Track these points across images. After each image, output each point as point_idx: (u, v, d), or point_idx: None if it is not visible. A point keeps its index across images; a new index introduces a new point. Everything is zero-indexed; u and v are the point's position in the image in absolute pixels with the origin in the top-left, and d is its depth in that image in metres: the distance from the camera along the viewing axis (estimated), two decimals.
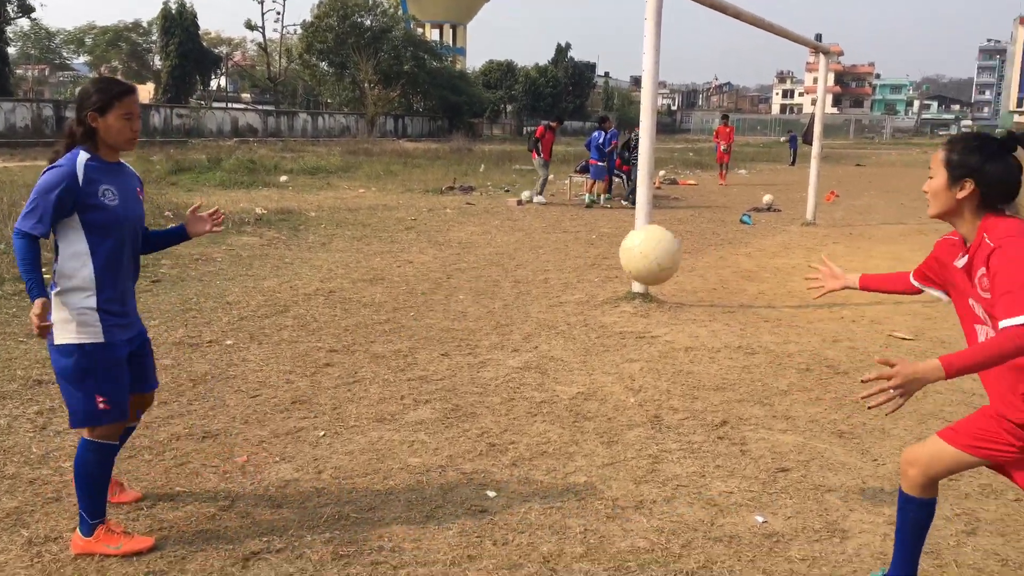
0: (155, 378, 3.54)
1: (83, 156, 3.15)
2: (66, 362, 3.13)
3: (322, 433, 4.58)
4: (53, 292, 3.14)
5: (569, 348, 6.42)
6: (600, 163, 17.55)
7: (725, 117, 26.19)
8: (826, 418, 4.99)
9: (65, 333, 3.12)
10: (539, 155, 17.78)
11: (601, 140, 17.53)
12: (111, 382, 3.17)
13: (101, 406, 3.15)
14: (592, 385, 5.53)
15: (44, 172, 3.12)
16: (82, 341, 3.12)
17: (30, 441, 4.31)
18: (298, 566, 3.21)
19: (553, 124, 18.37)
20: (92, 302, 3.13)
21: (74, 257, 3.13)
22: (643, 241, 7.08)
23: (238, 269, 9.23)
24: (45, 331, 3.01)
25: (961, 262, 2.62)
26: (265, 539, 3.40)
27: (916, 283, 2.98)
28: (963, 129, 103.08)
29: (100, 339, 3.14)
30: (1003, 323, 2.33)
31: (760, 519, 3.69)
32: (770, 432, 4.75)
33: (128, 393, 3.27)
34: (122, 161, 3.38)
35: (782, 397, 5.36)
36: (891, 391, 2.39)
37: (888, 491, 3.99)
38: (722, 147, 24.28)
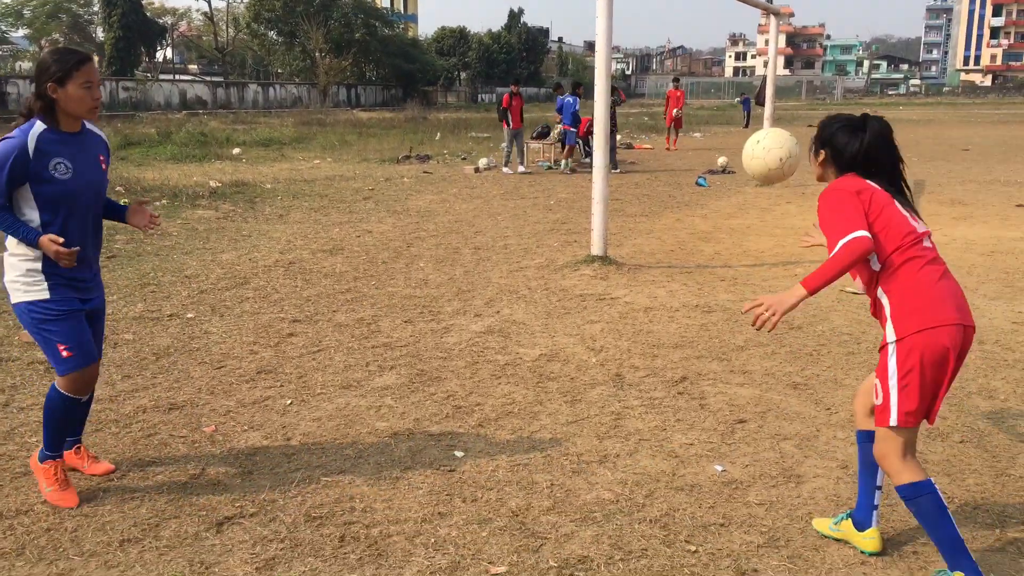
0: (100, 350, 3.59)
1: (37, 128, 3.20)
2: (23, 319, 3.31)
3: (289, 401, 4.62)
4: (5, 255, 3.27)
5: (531, 312, 6.50)
6: (573, 129, 17.58)
7: (676, 80, 25.70)
8: (781, 371, 5.15)
9: (15, 293, 3.29)
10: (508, 125, 17.43)
11: (576, 107, 17.57)
12: (67, 329, 3.29)
13: (64, 353, 3.28)
14: (554, 347, 5.63)
15: None
16: (30, 299, 3.26)
17: None
18: (272, 529, 3.26)
19: (514, 89, 18.17)
20: (37, 264, 3.26)
21: (23, 216, 3.23)
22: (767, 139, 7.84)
23: (195, 243, 9.14)
24: (70, 257, 3.17)
25: None
26: (238, 504, 3.45)
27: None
28: (912, 89, 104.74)
29: (46, 295, 3.26)
30: (837, 246, 2.82)
31: (719, 468, 3.82)
32: (728, 386, 4.89)
33: (91, 338, 3.38)
34: (88, 127, 3.37)
35: (739, 352, 5.51)
36: (766, 314, 2.82)
37: (841, 438, 4.15)
38: (674, 112, 23.55)
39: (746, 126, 35.61)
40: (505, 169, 17.24)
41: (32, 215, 3.21)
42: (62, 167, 3.20)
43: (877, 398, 2.87)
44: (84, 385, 3.40)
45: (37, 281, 3.25)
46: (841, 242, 2.77)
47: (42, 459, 3.50)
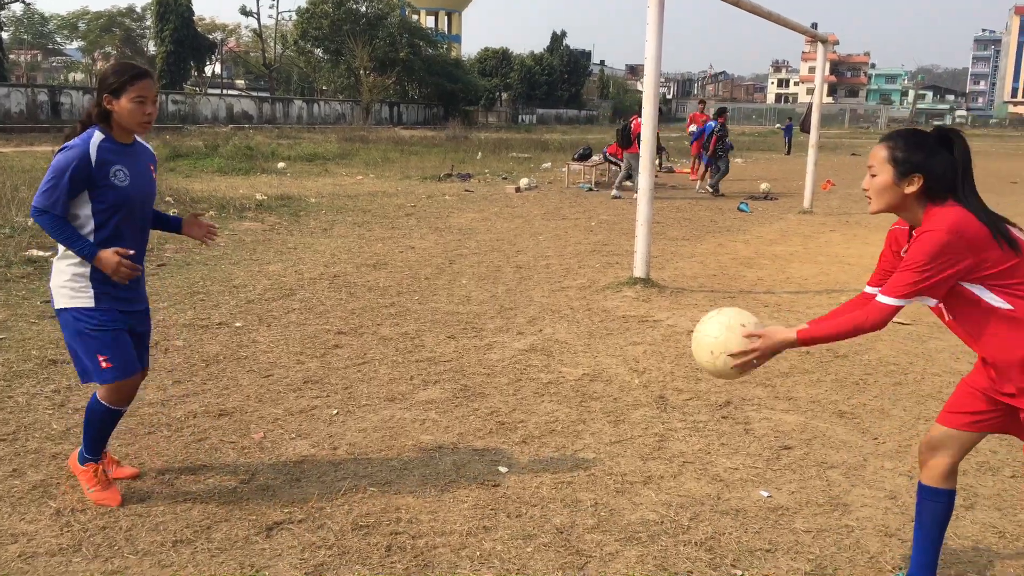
0: (146, 359, 3.64)
1: (97, 137, 3.29)
2: (65, 325, 3.36)
3: (335, 411, 4.68)
4: (56, 258, 3.37)
5: (573, 331, 6.52)
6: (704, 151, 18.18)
7: (702, 103, 23.42)
8: (827, 399, 5.10)
9: (60, 298, 3.34)
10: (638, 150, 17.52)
11: (713, 131, 18.20)
12: (110, 341, 3.34)
13: (104, 364, 3.33)
14: (597, 367, 5.64)
15: (58, 152, 3.26)
16: (75, 305, 3.32)
17: (50, 418, 4.40)
18: (320, 535, 3.31)
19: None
20: (85, 270, 3.31)
21: (78, 223, 3.30)
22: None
23: (242, 254, 9.30)
24: (128, 269, 3.27)
25: (905, 250, 2.73)
26: (287, 510, 3.50)
27: (870, 289, 2.88)
28: (958, 120, 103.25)
29: (91, 304, 3.31)
30: (880, 296, 2.61)
31: (765, 494, 3.80)
32: (772, 412, 4.86)
33: (132, 350, 3.42)
34: (137, 139, 3.48)
35: (783, 379, 5.47)
36: (753, 361, 2.78)
37: (889, 468, 4.11)
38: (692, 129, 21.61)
39: (787, 153, 35.42)
40: (616, 191, 17.16)
41: (87, 222, 3.28)
42: (121, 174, 3.30)
43: None
44: (125, 397, 3.45)
45: (83, 288, 3.31)
46: (890, 301, 2.56)
47: (82, 461, 3.57)
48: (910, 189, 2.60)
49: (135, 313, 3.48)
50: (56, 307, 3.36)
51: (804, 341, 2.71)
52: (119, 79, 3.28)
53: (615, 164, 19.39)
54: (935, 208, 2.58)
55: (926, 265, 2.50)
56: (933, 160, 2.58)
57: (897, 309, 2.59)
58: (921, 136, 2.64)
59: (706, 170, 18.48)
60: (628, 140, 17.32)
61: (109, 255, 3.22)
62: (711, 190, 17.91)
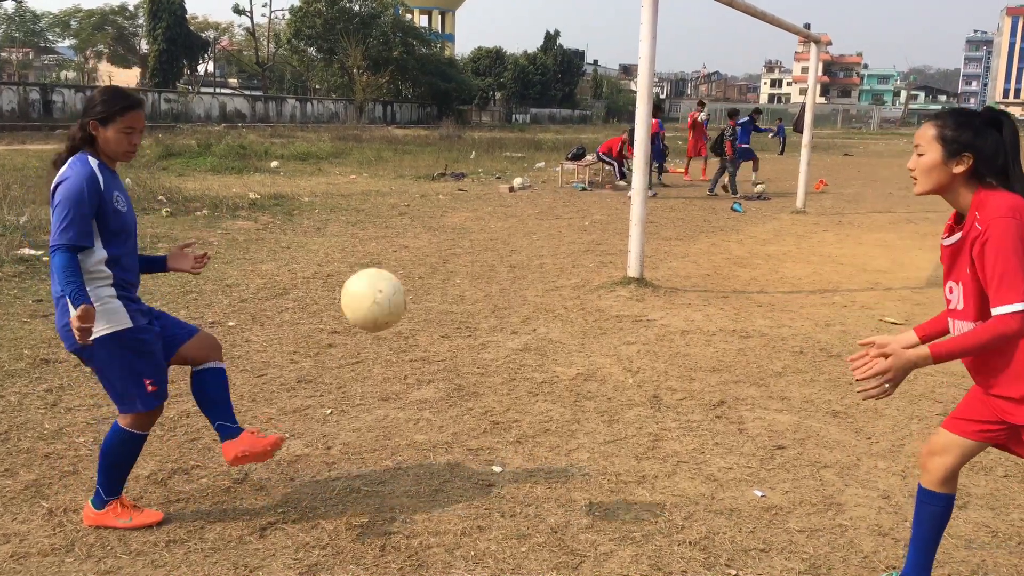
0: (191, 325, 3.47)
1: (93, 160, 3.13)
2: (106, 354, 3.12)
3: (329, 411, 4.67)
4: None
5: (567, 331, 6.52)
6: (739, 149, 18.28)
7: (701, 104, 23.11)
8: (820, 399, 5.11)
9: (97, 327, 3.05)
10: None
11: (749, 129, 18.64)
12: (151, 361, 3.20)
13: (150, 387, 3.18)
14: (591, 366, 5.64)
15: (61, 181, 3.06)
16: (114, 330, 3.10)
17: (42, 417, 4.38)
18: (314, 536, 3.30)
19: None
20: (111, 291, 3.12)
21: (91, 254, 3.09)
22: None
23: (235, 253, 9.28)
24: (87, 334, 2.95)
25: (950, 240, 2.61)
26: (280, 511, 3.49)
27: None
28: None
29: (129, 324, 3.13)
30: (996, 310, 2.39)
31: (759, 493, 3.80)
32: (766, 412, 4.87)
33: (166, 372, 3.29)
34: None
35: (777, 379, 5.48)
36: (884, 385, 2.51)
37: (882, 468, 4.12)
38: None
39: (781, 153, 35.48)
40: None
41: (99, 251, 3.10)
42: (121, 199, 3.17)
43: None
44: (153, 420, 3.32)
45: (115, 309, 3.11)
46: (1013, 309, 2.35)
47: (101, 507, 3.31)
48: (959, 169, 2.50)
49: (149, 314, 3.32)
50: (93, 338, 3.03)
51: (940, 359, 2.48)
52: (109, 109, 3.12)
53: (608, 163, 19.42)
54: (987, 193, 2.48)
55: (1013, 258, 2.36)
56: (983, 140, 2.48)
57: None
58: (971, 115, 2.55)
59: (723, 171, 18.16)
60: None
61: (81, 310, 2.89)
62: (727, 191, 17.73)
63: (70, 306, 2.95)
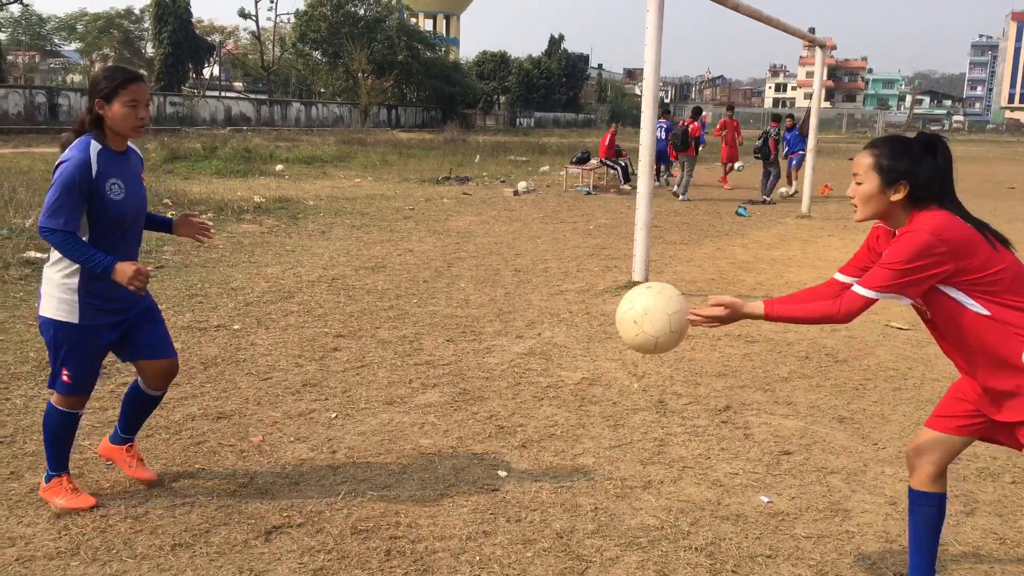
0: (171, 348, 3.58)
1: (95, 146, 3.22)
2: (44, 332, 3.34)
3: (334, 415, 4.66)
4: (46, 265, 3.32)
5: (572, 335, 6.51)
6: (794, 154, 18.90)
7: (731, 108, 22.29)
8: (827, 404, 5.10)
9: (47, 306, 3.29)
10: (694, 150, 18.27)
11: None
12: (78, 360, 3.33)
13: (65, 378, 3.33)
14: (596, 371, 5.63)
15: (58, 165, 3.19)
16: (58, 318, 3.27)
17: None
18: (319, 540, 3.29)
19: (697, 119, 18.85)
20: (75, 282, 3.24)
21: None
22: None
23: (240, 256, 9.28)
24: (143, 278, 3.19)
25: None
26: (286, 514, 3.48)
27: (842, 277, 2.85)
28: (955, 125, 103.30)
29: (75, 320, 3.26)
30: (856, 287, 2.60)
31: (765, 499, 3.79)
32: (772, 417, 4.86)
33: (97, 374, 3.44)
34: (129, 144, 3.43)
35: (783, 384, 5.47)
36: (712, 315, 2.79)
37: (889, 474, 4.10)
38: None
39: (785, 157, 35.38)
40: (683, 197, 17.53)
41: (83, 235, 3.22)
42: (116, 188, 3.24)
43: None
44: (82, 402, 3.48)
45: (71, 302, 3.25)
46: (866, 293, 2.55)
47: (48, 480, 3.50)
48: (896, 197, 2.59)
49: (130, 319, 3.42)
50: (40, 312, 3.31)
51: (771, 317, 2.70)
52: (110, 83, 3.22)
53: (612, 167, 19.43)
54: (919, 213, 2.59)
55: (906, 264, 2.50)
56: (919, 167, 2.57)
57: (871, 302, 2.58)
58: (906, 143, 2.63)
59: (769, 176, 18.11)
60: (686, 143, 18.02)
61: (126, 267, 3.15)
62: (767, 199, 17.65)
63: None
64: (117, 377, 5.05)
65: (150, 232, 3.69)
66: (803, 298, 2.89)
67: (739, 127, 21.41)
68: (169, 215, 11.63)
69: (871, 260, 2.79)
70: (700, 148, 19.17)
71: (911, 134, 2.76)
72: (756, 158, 18.85)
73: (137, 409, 3.65)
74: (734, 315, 2.76)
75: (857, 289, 2.60)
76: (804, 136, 17.90)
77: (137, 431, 3.75)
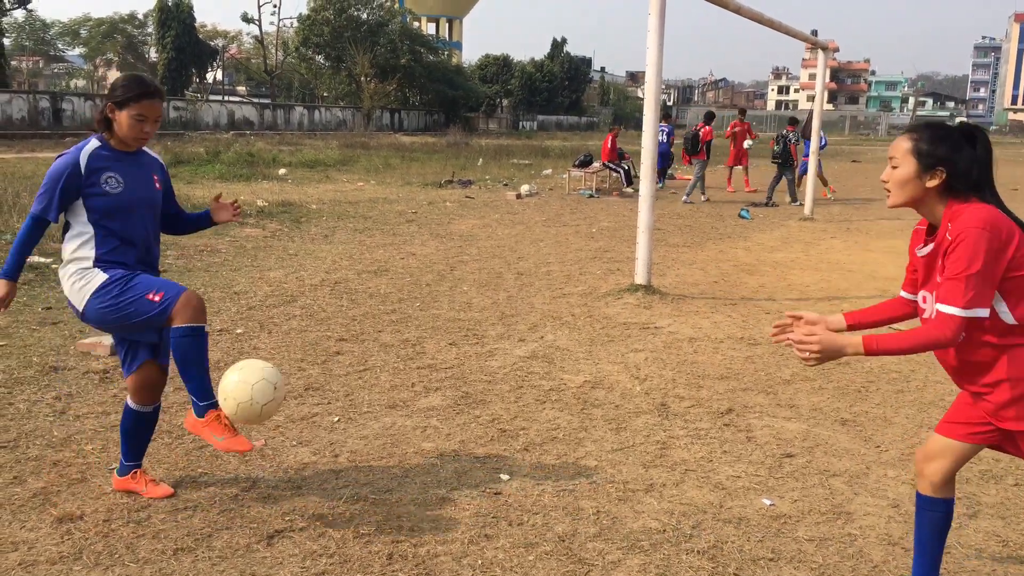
0: (166, 355, 3.60)
1: (91, 145, 3.37)
2: (100, 308, 3.28)
3: (336, 419, 4.67)
4: (60, 268, 3.43)
5: (574, 338, 6.51)
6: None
7: (742, 112, 22.45)
8: (829, 406, 5.09)
9: (78, 298, 3.32)
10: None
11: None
12: (145, 280, 3.31)
13: (156, 297, 3.24)
14: (598, 374, 5.63)
15: (56, 158, 3.36)
16: (93, 288, 3.29)
17: (51, 425, 4.39)
18: (321, 544, 3.30)
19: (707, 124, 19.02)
20: (88, 258, 3.34)
21: (78, 237, 3.35)
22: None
23: (243, 260, 9.30)
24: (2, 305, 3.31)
25: (924, 250, 2.62)
26: (288, 518, 3.49)
27: (906, 294, 2.81)
28: None
29: (104, 277, 3.30)
30: (939, 306, 2.45)
31: (768, 502, 3.79)
32: (775, 420, 4.85)
33: (174, 287, 3.34)
34: (145, 150, 3.51)
35: (785, 386, 5.46)
36: (807, 354, 2.52)
37: (892, 476, 4.10)
38: (746, 145, 20.73)
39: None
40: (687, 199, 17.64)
41: (83, 226, 3.34)
42: (113, 181, 3.34)
43: None
44: (154, 398, 3.54)
45: (92, 272, 3.31)
46: (955, 312, 2.40)
47: (124, 473, 3.63)
48: (932, 183, 2.52)
49: None
50: (80, 309, 3.32)
51: (871, 352, 2.49)
52: (125, 93, 3.33)
53: (615, 170, 19.44)
54: (960, 206, 2.50)
55: (975, 265, 2.38)
56: (958, 155, 2.50)
57: (963, 320, 2.42)
58: (947, 129, 2.55)
59: (784, 179, 18.17)
60: (696, 147, 18.37)
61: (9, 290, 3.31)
62: (793, 200, 17.66)
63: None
64: (120, 382, 5.06)
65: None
66: (876, 314, 2.85)
67: (751, 129, 21.31)
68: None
69: (915, 263, 2.73)
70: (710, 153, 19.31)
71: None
72: (774, 162, 18.57)
73: (140, 431, 3.64)
74: (829, 350, 2.51)
75: (943, 309, 2.44)
76: (807, 139, 17.90)
77: (143, 454, 3.70)
